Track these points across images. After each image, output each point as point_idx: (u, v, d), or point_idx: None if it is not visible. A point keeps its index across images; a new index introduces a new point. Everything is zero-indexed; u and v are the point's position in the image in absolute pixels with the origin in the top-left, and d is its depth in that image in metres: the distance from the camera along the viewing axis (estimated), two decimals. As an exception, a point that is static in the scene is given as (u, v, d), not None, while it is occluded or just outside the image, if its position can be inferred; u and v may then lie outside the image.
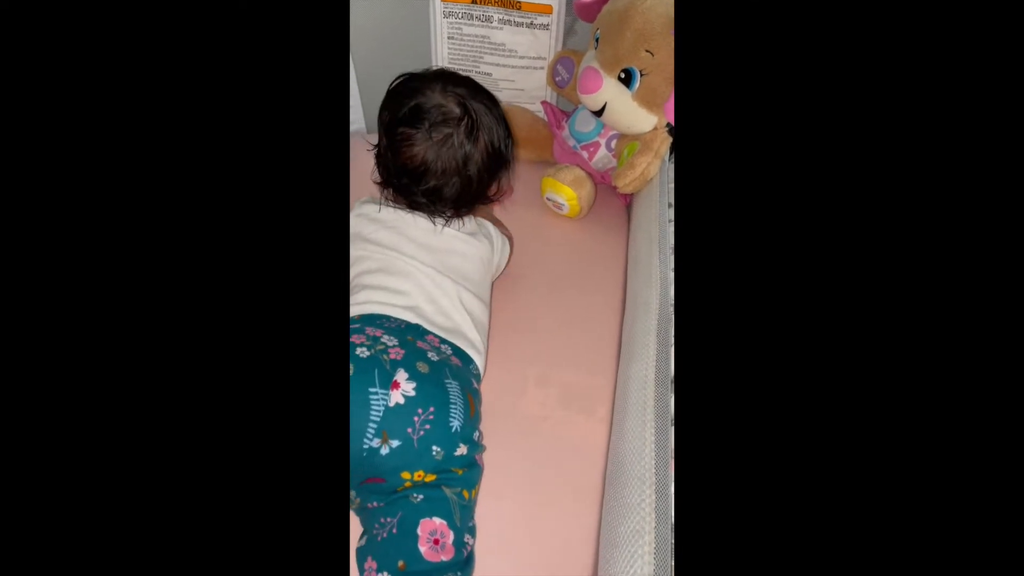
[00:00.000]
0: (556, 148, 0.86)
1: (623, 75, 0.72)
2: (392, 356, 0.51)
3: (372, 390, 0.49)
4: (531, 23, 0.84)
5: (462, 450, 0.51)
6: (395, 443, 0.49)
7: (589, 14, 0.78)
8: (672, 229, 0.72)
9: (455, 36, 0.87)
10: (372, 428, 0.48)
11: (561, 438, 0.60)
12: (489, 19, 0.85)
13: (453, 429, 0.51)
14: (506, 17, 0.84)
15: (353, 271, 0.60)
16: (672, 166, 0.80)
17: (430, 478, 0.50)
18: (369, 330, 0.53)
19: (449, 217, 0.62)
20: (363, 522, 0.51)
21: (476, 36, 0.87)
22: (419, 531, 0.48)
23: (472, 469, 0.52)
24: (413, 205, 0.61)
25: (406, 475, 0.49)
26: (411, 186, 0.59)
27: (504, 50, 0.88)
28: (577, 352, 0.68)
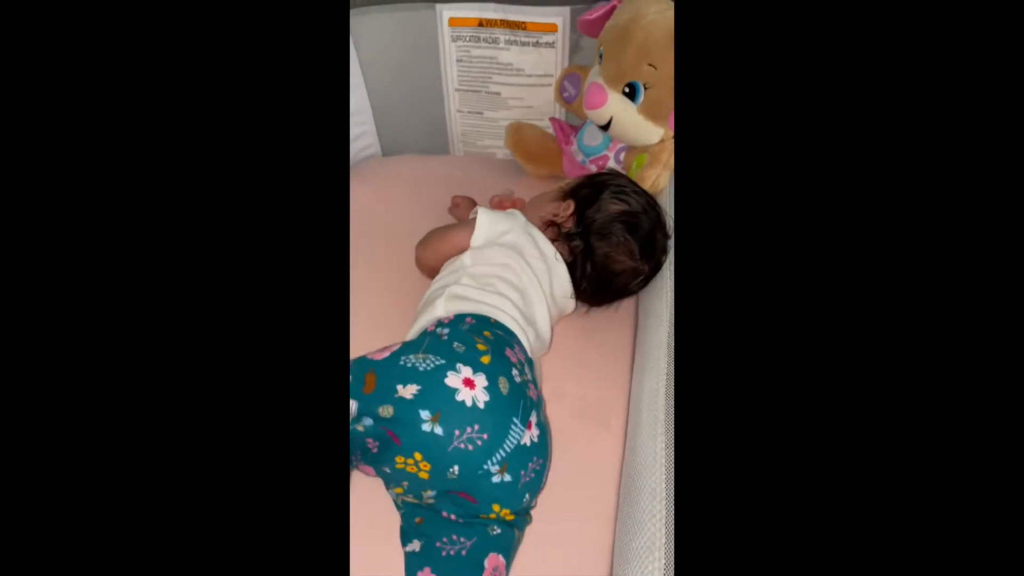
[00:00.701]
0: (566, 163, 0.87)
1: (627, 89, 0.73)
2: (531, 394, 0.54)
3: (515, 420, 0.50)
4: (537, 42, 0.86)
5: (535, 502, 0.54)
6: (508, 478, 0.50)
7: (593, 30, 0.79)
8: (682, 239, 0.72)
9: (464, 59, 0.89)
10: (500, 455, 0.49)
11: (575, 452, 0.60)
12: (496, 40, 0.87)
13: (543, 483, 0.54)
14: (512, 37, 0.86)
15: (490, 268, 0.62)
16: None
17: (511, 517, 0.51)
18: (518, 350, 0.56)
19: (585, 299, 0.69)
20: (418, 526, 0.51)
21: (484, 57, 0.89)
22: (486, 563, 0.49)
23: (529, 515, 0.55)
24: (574, 272, 0.66)
25: (496, 507, 0.51)
26: (588, 274, 0.66)
27: (512, 69, 0.89)
28: (591, 365, 0.68)
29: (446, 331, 0.55)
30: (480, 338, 0.53)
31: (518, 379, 0.52)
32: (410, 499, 0.53)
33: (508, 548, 0.51)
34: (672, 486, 0.47)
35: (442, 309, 0.59)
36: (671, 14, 0.70)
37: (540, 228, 0.67)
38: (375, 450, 0.50)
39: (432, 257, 0.67)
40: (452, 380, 0.48)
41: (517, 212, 0.69)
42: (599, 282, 0.66)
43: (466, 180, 0.94)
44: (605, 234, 0.65)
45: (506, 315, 0.59)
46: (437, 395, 0.48)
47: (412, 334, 0.60)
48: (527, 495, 0.52)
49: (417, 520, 0.52)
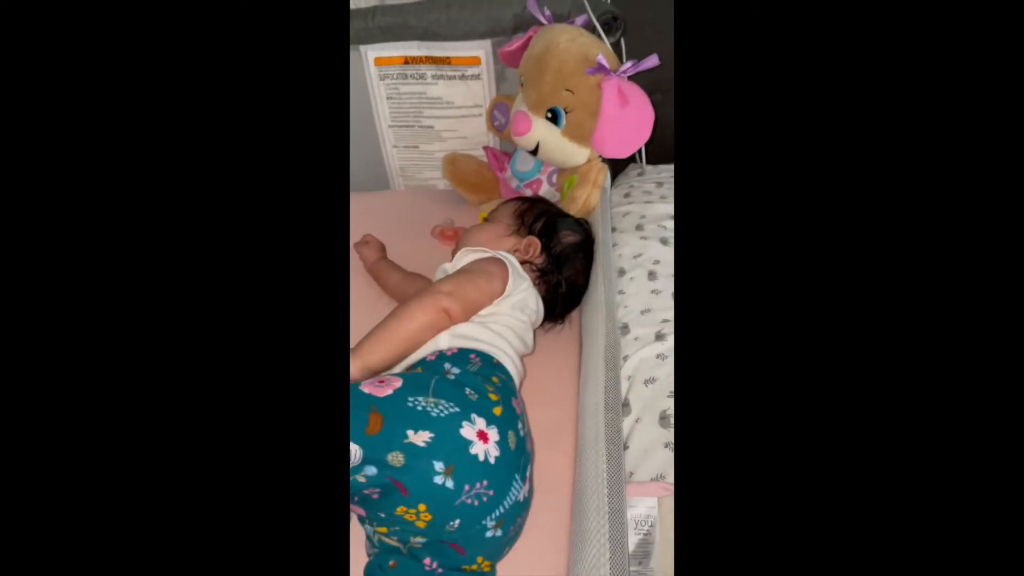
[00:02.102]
0: (503, 189, 0.89)
1: (550, 115, 0.75)
2: (529, 448, 0.53)
3: (516, 476, 0.49)
4: (463, 75, 0.88)
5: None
6: (499, 533, 0.49)
7: (513, 60, 0.81)
8: (615, 253, 0.74)
9: (393, 96, 0.91)
10: (498, 512, 0.48)
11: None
12: (423, 76, 0.88)
13: (520, 534, 0.53)
14: (439, 72, 0.88)
15: (500, 317, 0.62)
16: (612, 193, 0.82)
17: (488, 568, 0.51)
18: (520, 399, 0.55)
19: (554, 315, 0.71)
20: (391, 570, 0.49)
21: (413, 93, 0.90)
22: None
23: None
24: (551, 302, 0.69)
25: (479, 559, 0.49)
26: (564, 297, 0.70)
27: (442, 102, 0.91)
28: (540, 387, 0.68)
29: (455, 371, 0.53)
30: (491, 385, 0.52)
31: (522, 433, 0.52)
32: (392, 541, 0.50)
33: None
34: (614, 500, 0.47)
35: (445, 341, 0.57)
36: (582, 40, 0.73)
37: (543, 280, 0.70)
38: (375, 497, 0.46)
39: (472, 310, 0.62)
40: (467, 431, 0.47)
41: (516, 264, 0.67)
42: (569, 302, 0.71)
43: (408, 214, 0.95)
44: (571, 262, 0.70)
45: (507, 357, 0.59)
46: (452, 446, 0.46)
47: (406, 363, 0.58)
48: (507, 547, 0.52)
49: (391, 564, 0.49)
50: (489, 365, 0.56)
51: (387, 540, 0.50)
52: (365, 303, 0.78)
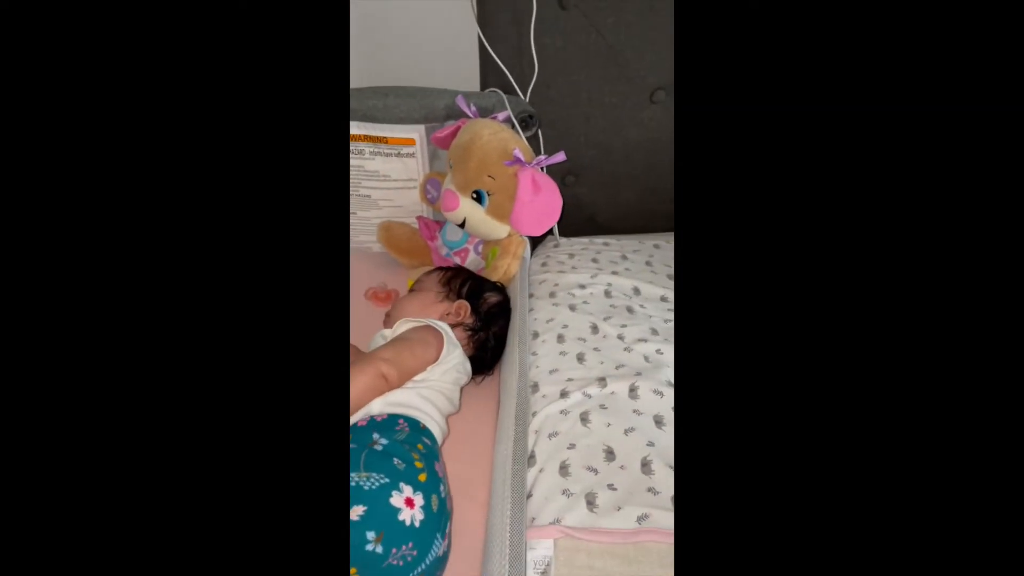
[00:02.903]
0: (433, 256, 0.97)
1: (475, 195, 0.85)
2: (449, 507, 0.58)
3: (438, 536, 0.54)
4: (399, 153, 0.97)
5: None
6: None
7: (444, 144, 0.92)
8: (531, 317, 0.84)
9: (333, 168, 0.98)
10: (420, 568, 0.53)
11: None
12: (361, 152, 0.97)
13: None
14: (376, 150, 0.97)
15: (433, 384, 0.68)
16: (531, 262, 0.93)
17: None
18: (443, 461, 0.61)
19: (484, 368, 0.80)
20: None
21: (352, 166, 0.98)
22: None
23: None
24: (479, 358, 0.77)
25: None
26: (493, 351, 0.80)
27: (379, 176, 1.00)
28: (460, 442, 0.74)
29: (383, 441, 0.58)
30: (417, 452, 0.58)
31: (443, 494, 0.58)
32: None
33: None
34: (515, 541, 0.54)
35: (378, 407, 0.64)
36: (503, 135, 0.85)
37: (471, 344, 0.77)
38: None
39: (408, 377, 0.69)
40: (396, 500, 0.52)
41: (450, 332, 0.75)
42: (496, 354, 0.80)
43: (344, 274, 1.01)
44: (496, 318, 0.80)
45: (432, 421, 0.65)
46: (382, 516, 0.51)
47: None
48: None
49: None
50: (416, 431, 0.62)
51: None
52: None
